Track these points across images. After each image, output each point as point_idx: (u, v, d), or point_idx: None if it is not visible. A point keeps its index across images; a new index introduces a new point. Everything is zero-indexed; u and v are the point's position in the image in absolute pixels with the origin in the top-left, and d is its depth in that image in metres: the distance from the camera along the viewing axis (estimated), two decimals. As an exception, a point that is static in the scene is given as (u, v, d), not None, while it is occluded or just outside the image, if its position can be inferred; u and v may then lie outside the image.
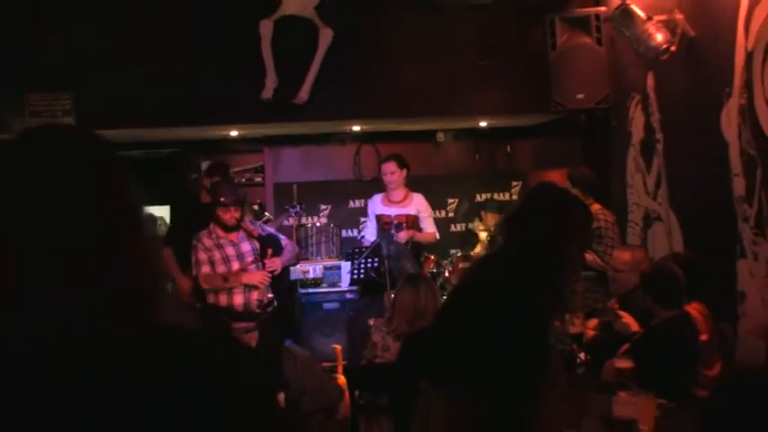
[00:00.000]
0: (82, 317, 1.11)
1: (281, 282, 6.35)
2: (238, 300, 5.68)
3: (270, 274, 5.76)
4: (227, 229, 5.73)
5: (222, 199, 5.68)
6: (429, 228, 7.01)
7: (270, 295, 5.78)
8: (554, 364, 2.21)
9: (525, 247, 2.29)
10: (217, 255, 5.71)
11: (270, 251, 5.85)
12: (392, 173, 6.84)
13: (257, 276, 5.69)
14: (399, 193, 6.95)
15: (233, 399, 1.16)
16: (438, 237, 7.08)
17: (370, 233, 7.10)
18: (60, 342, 1.10)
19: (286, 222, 7.68)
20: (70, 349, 1.10)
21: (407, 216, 6.88)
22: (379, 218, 6.98)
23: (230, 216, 5.68)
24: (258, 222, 6.53)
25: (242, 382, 1.19)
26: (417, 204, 6.97)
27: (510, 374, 2.06)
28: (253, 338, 4.95)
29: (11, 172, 1.18)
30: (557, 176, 7.29)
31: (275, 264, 5.83)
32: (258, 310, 5.63)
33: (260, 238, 5.88)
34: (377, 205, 7.05)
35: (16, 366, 1.10)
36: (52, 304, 1.10)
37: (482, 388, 2.07)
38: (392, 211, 6.92)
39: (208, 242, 5.72)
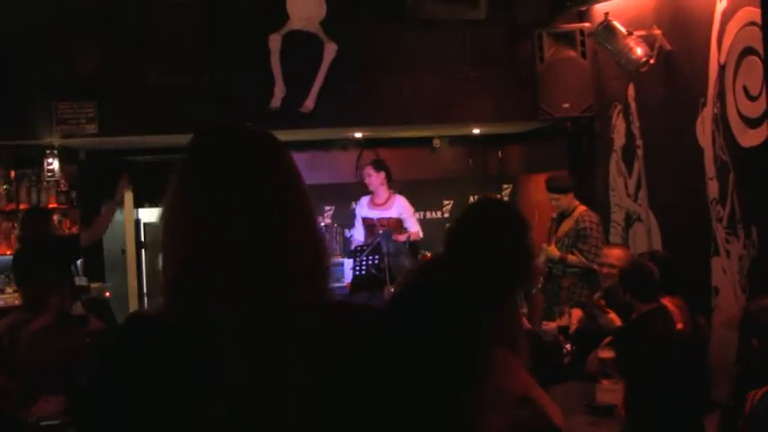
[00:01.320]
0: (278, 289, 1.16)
1: None
2: None
3: None
4: None
5: None
6: (412, 227, 7.02)
7: None
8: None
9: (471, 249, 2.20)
10: None
11: None
12: (369, 176, 6.93)
13: None
14: (382, 195, 6.98)
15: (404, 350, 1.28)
16: (421, 235, 7.08)
17: (358, 233, 7.14)
18: (254, 313, 1.14)
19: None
20: (262, 318, 1.15)
21: (389, 220, 6.91)
22: (364, 220, 7.05)
23: None
24: None
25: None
26: (399, 207, 6.98)
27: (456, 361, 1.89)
28: None
29: (218, 160, 1.24)
30: (544, 180, 7.28)
31: None
32: None
33: None
34: (363, 208, 7.10)
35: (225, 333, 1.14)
36: (250, 279, 1.15)
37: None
38: (375, 214, 6.96)
39: None
